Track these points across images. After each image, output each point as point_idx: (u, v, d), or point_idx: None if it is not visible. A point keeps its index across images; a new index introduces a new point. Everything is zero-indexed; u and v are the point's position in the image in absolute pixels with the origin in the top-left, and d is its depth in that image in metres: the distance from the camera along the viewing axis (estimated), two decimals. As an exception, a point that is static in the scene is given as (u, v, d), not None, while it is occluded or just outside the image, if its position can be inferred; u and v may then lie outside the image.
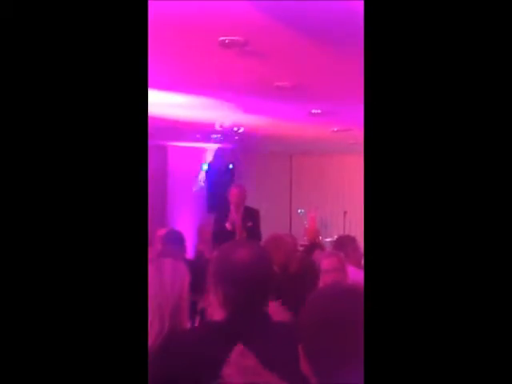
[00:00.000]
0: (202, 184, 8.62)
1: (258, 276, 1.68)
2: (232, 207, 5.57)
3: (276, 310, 2.44)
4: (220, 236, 5.45)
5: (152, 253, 3.33)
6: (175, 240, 4.01)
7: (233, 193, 5.66)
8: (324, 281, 3.24)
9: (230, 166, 9.90)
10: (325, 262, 3.35)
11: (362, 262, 3.46)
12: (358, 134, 6.65)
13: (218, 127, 6.55)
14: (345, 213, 9.22)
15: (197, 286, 2.23)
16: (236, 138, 7.33)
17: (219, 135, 7.58)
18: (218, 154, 9.94)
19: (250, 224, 5.55)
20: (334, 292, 1.35)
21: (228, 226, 5.49)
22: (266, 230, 5.74)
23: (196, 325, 2.46)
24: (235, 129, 6.79)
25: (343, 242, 4.07)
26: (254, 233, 5.50)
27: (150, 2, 1.55)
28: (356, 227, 9.04)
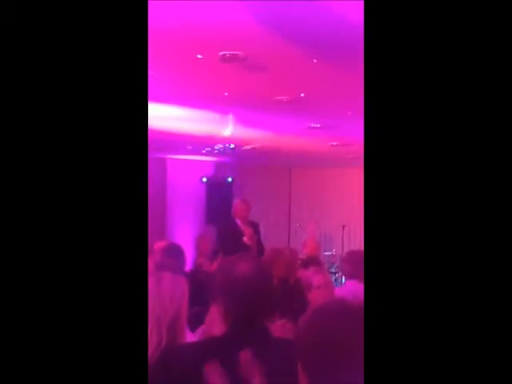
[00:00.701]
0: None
1: (258, 290, 1.68)
2: (240, 221, 5.60)
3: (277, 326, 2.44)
4: (234, 250, 5.47)
5: (151, 265, 3.33)
6: (175, 253, 4.00)
7: (240, 207, 5.69)
8: (314, 297, 3.25)
9: (229, 179, 9.91)
10: (315, 279, 3.36)
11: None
12: (356, 148, 6.67)
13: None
14: (343, 226, 9.23)
15: (195, 299, 2.23)
16: (235, 151, 7.35)
17: (218, 148, 7.59)
18: (217, 167, 9.96)
19: (256, 237, 5.60)
20: (333, 309, 1.35)
21: (246, 240, 5.50)
22: (265, 243, 5.76)
23: (195, 338, 2.45)
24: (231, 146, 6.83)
25: (355, 257, 3.83)
26: (260, 245, 5.57)
27: (150, 16, 1.56)
28: (355, 240, 9.04)
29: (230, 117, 5.19)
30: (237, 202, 5.87)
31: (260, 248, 5.52)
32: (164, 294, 2.01)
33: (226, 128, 5.67)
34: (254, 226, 5.74)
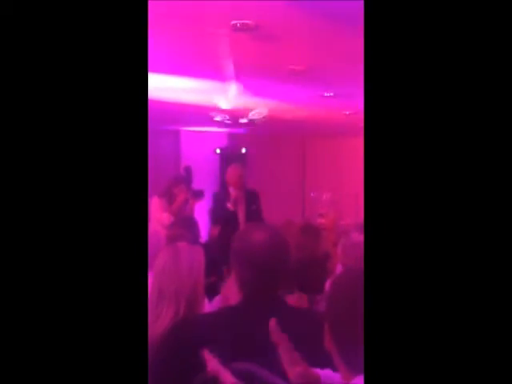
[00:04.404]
0: None
1: (274, 260, 1.68)
2: (230, 187, 5.44)
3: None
4: (220, 216, 5.42)
5: (168, 237, 3.36)
6: (188, 225, 4.03)
7: (230, 173, 5.54)
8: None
9: (243, 150, 9.89)
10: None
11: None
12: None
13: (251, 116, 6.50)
14: (357, 195, 9.19)
15: (209, 270, 2.24)
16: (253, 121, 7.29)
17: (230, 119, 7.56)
18: (231, 138, 9.94)
19: (254, 207, 5.45)
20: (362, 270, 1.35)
21: (230, 205, 5.37)
22: (280, 214, 5.75)
23: (211, 308, 2.47)
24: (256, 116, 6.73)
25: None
26: (257, 216, 5.41)
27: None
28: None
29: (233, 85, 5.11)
30: (228, 169, 5.69)
31: (259, 218, 5.38)
32: (182, 266, 2.02)
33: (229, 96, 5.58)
34: (255, 195, 5.60)
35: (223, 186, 5.83)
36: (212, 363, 1.49)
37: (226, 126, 8.52)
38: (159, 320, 1.93)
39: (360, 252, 2.68)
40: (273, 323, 1.41)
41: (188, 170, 6.55)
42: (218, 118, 6.95)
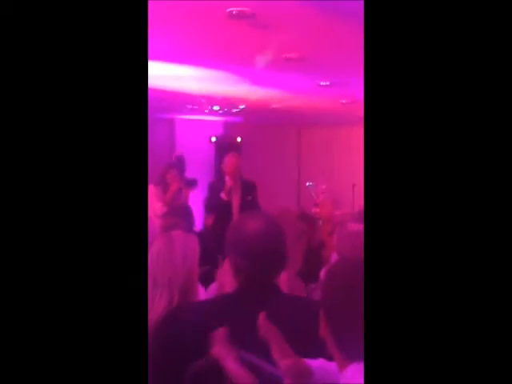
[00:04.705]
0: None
1: (269, 248, 1.68)
2: (226, 177, 5.41)
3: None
4: (214, 206, 5.39)
5: (162, 226, 3.35)
6: (183, 213, 4.03)
7: (227, 162, 5.50)
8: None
9: (238, 139, 9.88)
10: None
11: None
12: (366, 106, 6.58)
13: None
14: (354, 185, 9.20)
15: (203, 259, 2.24)
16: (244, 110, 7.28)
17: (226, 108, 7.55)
18: (226, 126, 9.92)
19: (249, 198, 5.42)
20: (359, 257, 1.35)
21: (223, 195, 5.34)
22: (275, 204, 5.74)
23: (207, 296, 2.47)
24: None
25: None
26: (253, 206, 5.38)
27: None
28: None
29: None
30: (225, 158, 5.65)
31: (256, 209, 5.32)
32: (176, 254, 2.02)
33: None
34: (251, 186, 5.57)
35: (219, 174, 5.80)
36: (217, 347, 1.49)
37: (222, 114, 8.52)
38: (153, 308, 1.93)
39: (356, 241, 2.69)
40: (262, 317, 1.41)
41: (180, 158, 6.52)
42: (215, 108, 6.92)
